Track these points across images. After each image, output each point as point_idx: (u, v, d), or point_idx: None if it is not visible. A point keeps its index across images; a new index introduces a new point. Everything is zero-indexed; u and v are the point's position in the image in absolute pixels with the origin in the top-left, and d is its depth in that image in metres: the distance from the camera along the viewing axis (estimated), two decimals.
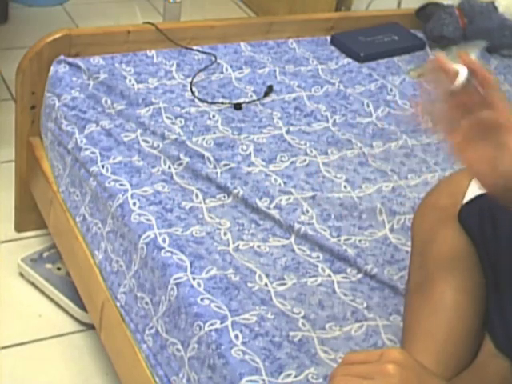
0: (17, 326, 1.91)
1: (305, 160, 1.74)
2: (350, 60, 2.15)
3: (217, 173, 1.64)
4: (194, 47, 2.05)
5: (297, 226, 1.54)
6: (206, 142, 1.73)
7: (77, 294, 1.80)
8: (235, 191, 1.60)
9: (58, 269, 2.00)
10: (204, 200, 1.59)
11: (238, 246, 1.49)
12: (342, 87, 2.03)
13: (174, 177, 1.64)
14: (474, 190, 1.24)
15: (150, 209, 1.53)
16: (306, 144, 1.79)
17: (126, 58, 1.97)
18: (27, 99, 1.94)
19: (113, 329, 1.58)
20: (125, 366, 1.55)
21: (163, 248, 1.44)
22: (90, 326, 1.90)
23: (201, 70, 1.98)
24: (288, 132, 1.82)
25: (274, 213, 1.56)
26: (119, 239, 1.56)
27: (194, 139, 1.73)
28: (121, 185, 1.59)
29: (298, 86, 2.00)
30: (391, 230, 1.59)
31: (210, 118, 1.81)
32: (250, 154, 1.72)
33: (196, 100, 1.87)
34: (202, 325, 1.30)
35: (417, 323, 1.19)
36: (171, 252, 1.43)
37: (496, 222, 1.20)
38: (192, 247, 1.45)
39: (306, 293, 1.40)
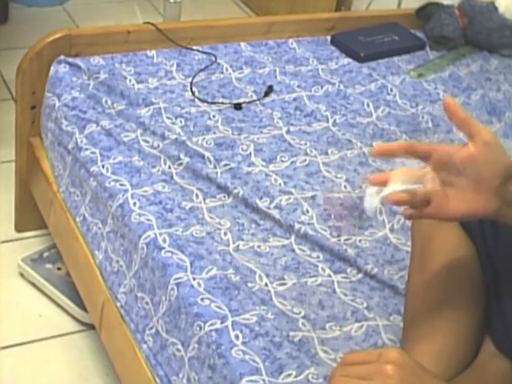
0: (17, 326, 1.91)
1: (305, 160, 1.74)
2: (350, 60, 2.15)
3: (217, 173, 1.64)
4: (194, 47, 2.05)
5: (297, 225, 1.54)
6: (206, 142, 1.73)
7: (77, 294, 1.80)
8: (235, 191, 1.60)
9: (58, 269, 2.00)
10: (204, 200, 1.59)
11: (238, 245, 1.49)
12: (342, 87, 2.03)
13: (174, 177, 1.64)
14: None
15: (150, 209, 1.53)
16: (306, 144, 1.79)
17: (126, 58, 1.97)
18: (27, 99, 1.95)
19: (113, 329, 1.58)
20: (125, 366, 1.55)
21: (163, 248, 1.44)
22: (90, 326, 1.90)
23: (201, 70, 1.98)
24: (288, 132, 1.82)
25: (274, 213, 1.56)
26: (119, 239, 1.56)
27: (194, 139, 1.73)
28: (121, 185, 1.60)
29: (298, 86, 2.00)
30: (391, 229, 1.59)
31: (210, 118, 1.81)
32: (250, 153, 1.72)
33: (196, 100, 1.87)
34: (202, 325, 1.30)
35: (417, 323, 1.18)
36: (171, 252, 1.43)
37: (496, 221, 1.20)
38: (192, 247, 1.45)
39: (306, 293, 1.40)
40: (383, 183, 1.07)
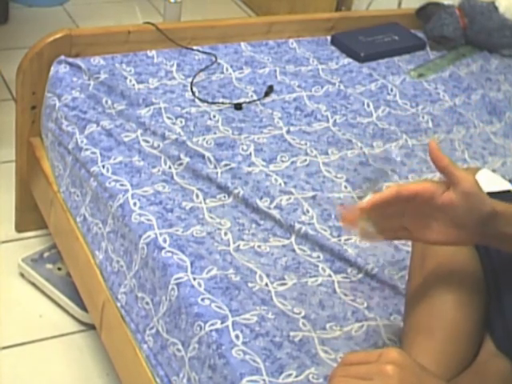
0: (17, 326, 1.91)
1: (305, 160, 1.74)
2: (350, 60, 2.16)
3: (217, 173, 1.64)
4: (195, 47, 2.05)
5: (297, 225, 1.54)
6: (207, 142, 1.73)
7: (77, 294, 1.80)
8: (236, 191, 1.60)
9: (59, 269, 2.00)
10: (204, 200, 1.59)
11: (238, 246, 1.49)
12: (342, 87, 2.03)
13: (175, 177, 1.64)
14: None
15: (151, 209, 1.53)
16: (306, 144, 1.79)
17: (127, 58, 1.97)
18: (28, 99, 1.95)
19: (113, 329, 1.58)
20: (125, 366, 1.55)
21: (164, 248, 1.44)
22: (90, 326, 1.90)
23: (201, 70, 1.98)
24: (288, 132, 1.82)
25: (275, 213, 1.56)
26: (120, 239, 1.56)
27: (195, 139, 1.73)
28: (121, 185, 1.60)
29: (299, 86, 2.00)
30: None
31: (210, 118, 1.81)
32: (251, 154, 1.72)
33: (196, 100, 1.88)
34: (202, 325, 1.30)
35: (417, 323, 1.19)
36: (172, 252, 1.43)
37: None
38: (192, 247, 1.45)
39: (306, 293, 1.40)
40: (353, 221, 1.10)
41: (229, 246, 1.48)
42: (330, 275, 1.46)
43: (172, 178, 1.63)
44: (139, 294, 1.48)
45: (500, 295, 1.18)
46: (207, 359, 1.27)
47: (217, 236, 1.50)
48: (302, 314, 1.35)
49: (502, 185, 1.28)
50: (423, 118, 1.98)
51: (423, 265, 1.23)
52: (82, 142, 1.72)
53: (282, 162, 1.72)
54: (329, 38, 2.23)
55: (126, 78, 1.90)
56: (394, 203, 1.08)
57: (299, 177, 1.68)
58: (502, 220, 1.06)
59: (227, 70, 2.01)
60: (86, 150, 1.70)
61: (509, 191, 1.27)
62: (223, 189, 1.62)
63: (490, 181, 1.27)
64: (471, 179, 1.05)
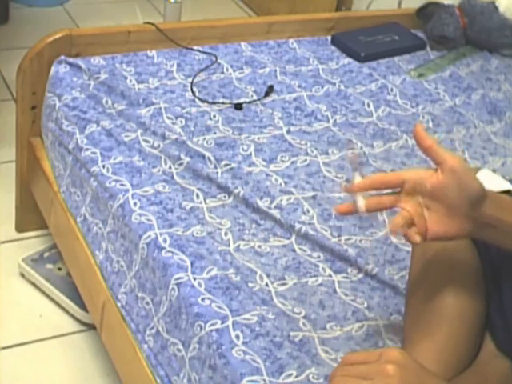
0: (17, 326, 1.91)
1: (305, 160, 1.74)
2: (350, 60, 2.16)
3: (217, 173, 1.64)
4: (195, 47, 2.05)
5: (297, 225, 1.54)
6: (207, 142, 1.73)
7: (77, 294, 1.80)
8: (236, 191, 1.60)
9: (59, 269, 2.00)
10: (205, 200, 1.59)
11: (238, 245, 1.49)
12: (342, 87, 2.03)
13: (175, 177, 1.64)
14: None
15: (151, 209, 1.53)
16: (306, 144, 1.79)
17: (127, 58, 1.97)
18: (28, 99, 1.95)
19: (114, 329, 1.58)
20: (126, 367, 1.55)
21: (164, 248, 1.44)
22: (90, 326, 1.90)
23: (201, 70, 1.98)
24: (289, 132, 1.82)
25: (275, 213, 1.56)
26: (120, 239, 1.56)
27: (195, 139, 1.73)
28: (121, 185, 1.60)
29: (299, 86, 2.00)
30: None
31: (210, 118, 1.81)
32: (251, 153, 1.72)
33: (197, 100, 1.88)
34: (202, 325, 1.30)
35: (417, 323, 1.19)
36: (172, 252, 1.43)
37: None
38: (193, 247, 1.45)
39: (306, 293, 1.40)
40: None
41: (229, 245, 1.48)
42: (330, 275, 1.46)
43: (172, 177, 1.63)
44: (139, 294, 1.48)
45: (501, 296, 1.18)
46: (207, 359, 1.27)
47: (217, 236, 1.50)
48: (303, 313, 1.35)
49: (502, 185, 1.28)
50: (423, 117, 1.98)
51: (424, 264, 1.23)
52: (82, 141, 1.72)
53: (283, 161, 1.72)
54: (329, 37, 2.23)
55: (126, 77, 1.90)
56: (383, 188, 1.07)
57: (299, 177, 1.68)
58: (491, 202, 1.04)
59: (227, 69, 2.01)
60: (87, 149, 1.70)
61: (509, 191, 1.27)
62: (223, 189, 1.62)
63: (490, 181, 1.27)
64: (457, 157, 1.04)
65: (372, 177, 1.08)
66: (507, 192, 1.26)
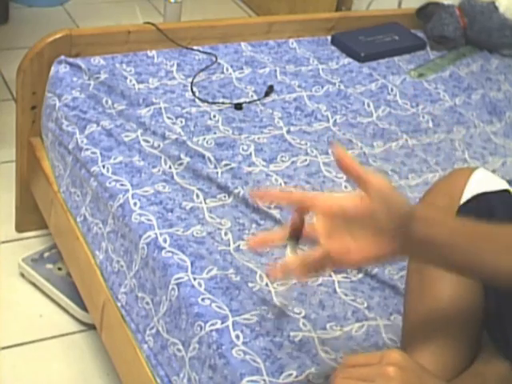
0: (17, 326, 1.91)
1: (305, 160, 1.74)
2: (350, 60, 2.16)
3: (217, 173, 1.64)
4: (195, 47, 2.05)
5: None
6: (207, 142, 1.73)
7: (77, 294, 1.80)
8: (236, 191, 1.60)
9: (59, 269, 2.00)
10: (205, 200, 1.59)
11: (238, 245, 1.49)
12: (342, 87, 2.03)
13: (175, 177, 1.64)
14: (471, 190, 1.23)
15: (151, 209, 1.53)
16: (306, 144, 1.79)
17: (127, 58, 1.97)
18: (28, 99, 1.95)
19: (114, 329, 1.58)
20: (126, 366, 1.55)
21: (164, 248, 1.44)
22: (90, 326, 1.90)
23: (201, 70, 1.98)
24: (289, 132, 1.82)
25: (275, 213, 1.56)
26: (120, 239, 1.56)
27: (195, 139, 1.73)
28: (121, 185, 1.60)
29: (299, 86, 2.00)
30: None
31: (210, 118, 1.81)
32: (251, 153, 1.72)
33: (197, 100, 1.88)
34: (202, 325, 1.30)
35: (416, 323, 1.18)
36: (172, 252, 1.43)
37: (494, 222, 1.19)
38: (193, 247, 1.45)
39: (306, 293, 1.40)
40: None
41: (229, 245, 1.48)
42: (330, 275, 1.46)
43: (172, 177, 1.63)
44: (139, 294, 1.48)
45: (498, 299, 1.18)
46: (207, 359, 1.27)
47: (217, 236, 1.50)
48: (303, 313, 1.35)
49: (498, 184, 1.27)
50: (423, 117, 1.98)
51: (421, 266, 1.23)
52: (82, 141, 1.72)
53: (283, 161, 1.72)
54: (329, 37, 2.23)
55: (126, 77, 1.90)
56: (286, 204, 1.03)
57: (299, 177, 1.68)
58: (420, 219, 0.99)
59: (227, 69, 2.01)
60: (87, 149, 1.70)
61: (505, 190, 1.26)
62: (223, 189, 1.62)
63: (486, 180, 1.26)
64: (380, 176, 0.98)
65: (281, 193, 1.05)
66: (504, 191, 1.26)
